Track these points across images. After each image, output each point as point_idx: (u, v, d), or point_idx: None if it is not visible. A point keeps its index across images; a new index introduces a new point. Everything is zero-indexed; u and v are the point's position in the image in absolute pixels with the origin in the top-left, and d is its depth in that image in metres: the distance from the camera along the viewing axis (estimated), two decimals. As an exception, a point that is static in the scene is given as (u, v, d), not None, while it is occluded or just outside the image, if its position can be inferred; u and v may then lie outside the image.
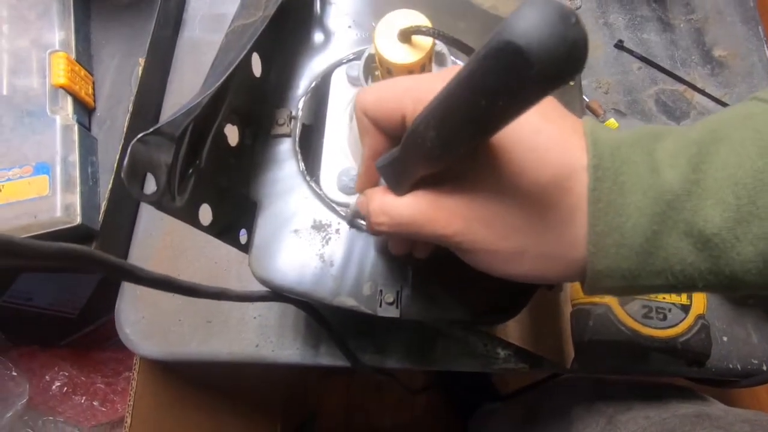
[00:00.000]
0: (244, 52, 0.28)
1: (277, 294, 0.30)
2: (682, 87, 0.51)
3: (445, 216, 0.20)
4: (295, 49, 0.36)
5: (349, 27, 0.37)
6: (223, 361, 0.39)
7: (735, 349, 0.40)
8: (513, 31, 0.12)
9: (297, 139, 0.33)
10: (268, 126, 0.34)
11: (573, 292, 0.39)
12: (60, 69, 0.38)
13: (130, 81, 0.44)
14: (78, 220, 0.34)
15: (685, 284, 0.19)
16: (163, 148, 0.24)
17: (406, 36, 0.23)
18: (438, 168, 0.19)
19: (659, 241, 0.18)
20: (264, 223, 0.31)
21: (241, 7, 0.34)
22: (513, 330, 0.39)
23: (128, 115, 0.41)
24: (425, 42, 0.23)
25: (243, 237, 0.31)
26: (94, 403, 0.57)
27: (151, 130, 0.23)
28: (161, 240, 0.42)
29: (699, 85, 0.51)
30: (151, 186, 0.23)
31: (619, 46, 0.52)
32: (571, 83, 0.37)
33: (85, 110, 0.40)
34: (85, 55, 0.42)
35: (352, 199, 0.31)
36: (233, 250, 0.30)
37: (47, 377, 0.57)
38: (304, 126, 0.34)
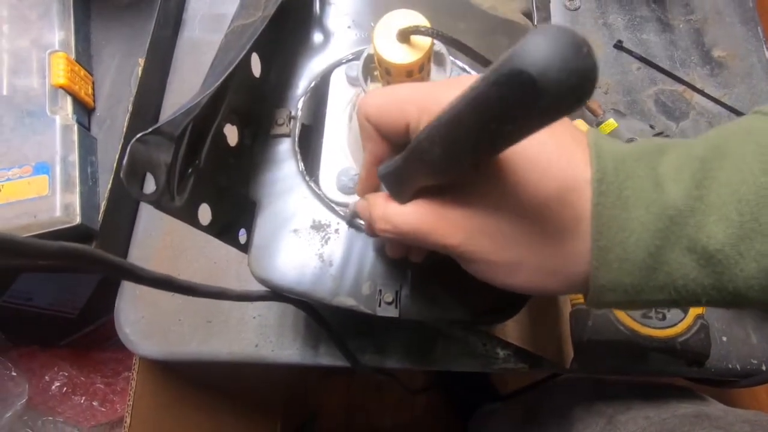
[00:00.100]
0: (244, 52, 0.28)
1: (276, 294, 0.30)
2: (681, 87, 0.51)
3: (448, 226, 0.20)
4: (294, 49, 0.36)
5: (349, 27, 0.37)
6: (222, 361, 0.39)
7: (734, 349, 0.40)
8: (525, 59, 0.12)
9: (296, 139, 0.33)
10: (268, 126, 0.34)
11: (572, 292, 0.39)
12: (60, 69, 0.38)
13: (129, 81, 0.44)
14: (77, 220, 0.34)
15: (688, 299, 0.19)
16: (163, 148, 0.24)
17: (404, 36, 0.23)
18: (441, 181, 0.20)
19: (662, 256, 0.18)
20: (263, 223, 0.31)
21: (240, 7, 0.34)
22: (512, 330, 0.39)
23: (128, 115, 0.41)
24: (424, 42, 0.23)
25: (242, 237, 0.31)
26: (94, 403, 0.57)
27: (150, 129, 0.23)
28: (161, 240, 0.42)
29: (698, 86, 0.51)
30: (150, 186, 0.23)
31: (619, 46, 0.53)
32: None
33: (84, 110, 0.40)
34: (84, 55, 0.42)
35: (351, 199, 0.31)
36: (232, 250, 0.30)
37: (47, 377, 0.57)
38: (303, 126, 0.34)
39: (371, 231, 0.25)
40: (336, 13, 0.38)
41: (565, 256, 0.19)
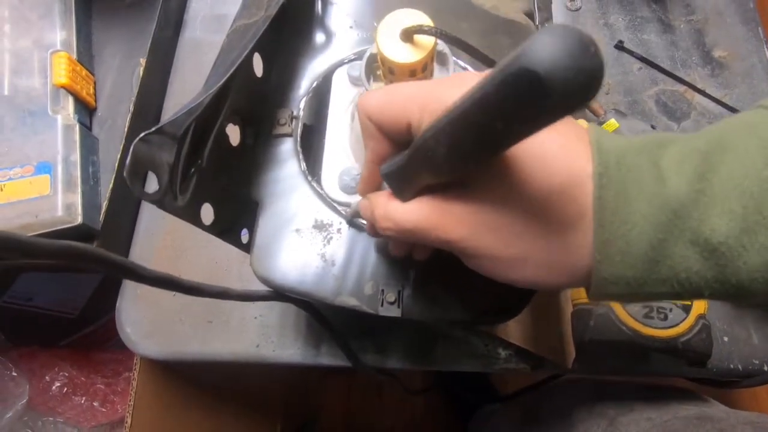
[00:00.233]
0: (246, 52, 0.28)
1: (278, 293, 0.30)
2: (682, 87, 0.51)
3: (450, 222, 0.20)
4: (296, 49, 0.36)
5: (351, 27, 0.37)
6: (224, 361, 0.39)
7: (736, 350, 0.40)
8: (533, 58, 0.12)
9: (298, 138, 0.33)
10: (270, 126, 0.34)
11: (574, 292, 0.39)
12: (61, 69, 0.38)
13: (131, 81, 0.44)
14: (79, 219, 0.34)
15: (691, 293, 0.19)
16: (165, 148, 0.24)
17: (408, 35, 0.23)
18: (445, 179, 0.20)
19: (665, 249, 0.18)
20: (265, 223, 0.31)
21: (242, 7, 0.34)
22: (514, 330, 0.39)
23: (129, 116, 0.41)
24: (427, 41, 0.23)
25: (244, 236, 0.31)
26: (94, 404, 0.57)
27: (153, 129, 0.23)
28: (162, 240, 0.42)
29: (699, 86, 0.51)
30: (152, 185, 0.23)
31: (620, 46, 0.53)
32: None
33: (86, 110, 0.40)
34: (86, 55, 0.42)
35: (353, 199, 0.31)
36: (234, 250, 0.30)
37: (47, 378, 0.57)
38: (305, 126, 0.34)
39: (373, 230, 0.25)
40: (338, 13, 0.38)
41: (568, 250, 0.20)
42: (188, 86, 0.48)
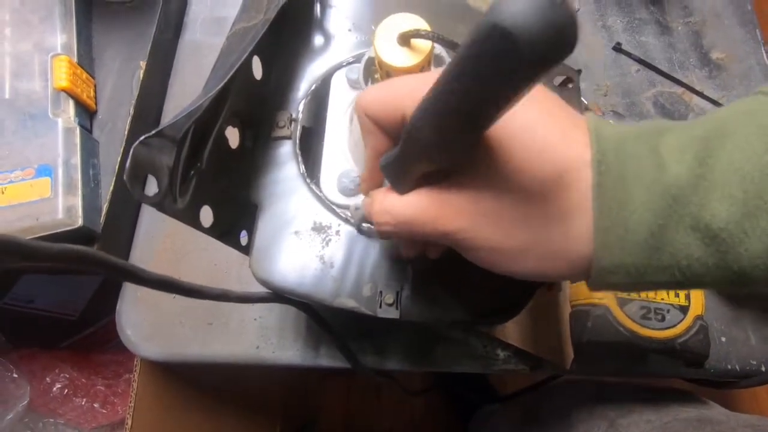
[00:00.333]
0: (245, 55, 0.29)
1: (277, 295, 0.30)
2: (680, 89, 0.51)
3: (448, 213, 0.20)
4: (295, 52, 0.37)
5: (349, 30, 0.37)
6: (223, 363, 0.39)
7: (734, 350, 0.40)
8: (499, 14, 0.12)
9: (297, 141, 0.33)
10: (269, 128, 0.34)
11: (572, 293, 0.39)
12: (62, 72, 0.38)
13: (131, 84, 0.44)
14: (79, 222, 0.35)
15: (692, 280, 0.18)
16: (165, 151, 0.24)
17: (405, 39, 0.23)
18: (437, 165, 0.19)
19: (665, 236, 0.18)
20: (264, 225, 0.31)
21: (242, 10, 0.35)
22: (512, 331, 0.40)
23: (129, 119, 0.41)
24: (424, 45, 0.23)
25: (243, 238, 0.32)
26: (95, 405, 0.57)
27: (152, 132, 0.23)
28: (162, 242, 0.42)
29: (697, 88, 0.51)
30: (152, 188, 0.24)
31: (618, 48, 0.53)
32: (570, 86, 0.37)
33: (86, 113, 0.41)
34: (86, 58, 0.43)
35: (351, 201, 0.31)
36: (233, 252, 0.30)
37: (48, 379, 0.57)
38: (304, 128, 0.34)
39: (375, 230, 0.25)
40: (336, 16, 0.38)
41: (568, 238, 0.19)
42: (188, 89, 0.48)
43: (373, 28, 0.36)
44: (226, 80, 0.27)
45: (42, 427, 0.54)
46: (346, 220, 0.31)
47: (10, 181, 0.34)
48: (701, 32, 0.54)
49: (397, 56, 0.23)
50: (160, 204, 0.24)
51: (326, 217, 0.31)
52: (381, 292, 0.29)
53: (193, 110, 0.25)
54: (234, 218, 0.31)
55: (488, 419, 0.74)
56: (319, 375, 0.88)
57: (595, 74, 0.52)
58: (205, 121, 0.27)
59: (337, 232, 0.31)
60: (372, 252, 0.30)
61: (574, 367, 0.39)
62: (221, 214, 0.29)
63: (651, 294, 0.36)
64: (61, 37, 0.41)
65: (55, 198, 0.34)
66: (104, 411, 0.57)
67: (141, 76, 0.43)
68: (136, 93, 0.43)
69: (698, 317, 0.35)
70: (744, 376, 0.40)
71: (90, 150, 0.39)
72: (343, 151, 0.33)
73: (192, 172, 0.26)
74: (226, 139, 0.30)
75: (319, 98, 0.35)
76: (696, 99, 0.51)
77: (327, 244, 0.30)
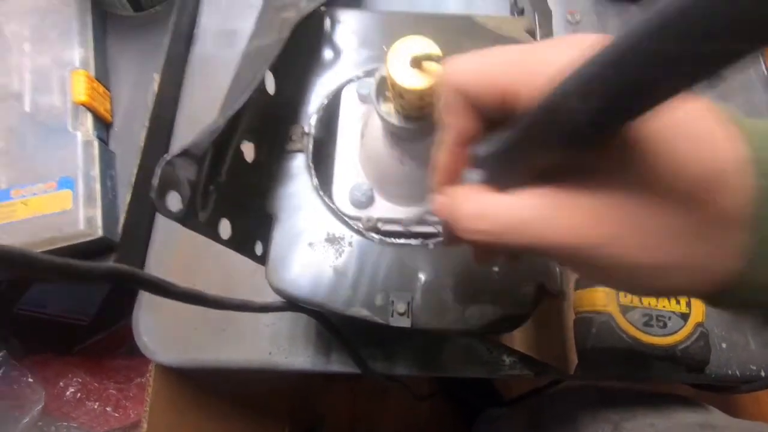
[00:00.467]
0: (261, 76, 0.30)
1: (293, 304, 0.31)
2: (680, 99, 0.52)
3: (582, 221, 0.16)
4: (306, 67, 0.38)
5: (358, 45, 0.38)
6: (237, 368, 0.40)
7: (734, 356, 0.41)
8: None
9: (310, 154, 0.34)
10: (282, 141, 0.35)
11: (576, 300, 0.40)
12: (81, 87, 0.39)
13: (145, 95, 0.45)
14: (99, 233, 0.36)
15: None
16: (188, 168, 0.25)
17: (417, 62, 0.24)
18: (573, 155, 0.16)
19: None
20: (280, 236, 0.32)
21: (257, 27, 0.36)
22: (518, 337, 0.41)
23: (145, 131, 0.42)
24: (435, 67, 0.24)
25: (258, 248, 0.33)
26: (107, 409, 0.59)
27: (178, 152, 0.24)
28: (176, 250, 0.43)
29: (697, 97, 0.52)
30: (173, 203, 0.25)
31: (619, 59, 0.54)
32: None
33: (103, 125, 0.42)
34: (102, 72, 0.44)
35: (363, 213, 0.32)
36: (245, 260, 0.31)
37: (61, 384, 0.58)
38: (316, 142, 0.35)
39: (451, 237, 0.21)
40: (345, 32, 0.39)
41: (719, 251, 0.16)
42: (199, 100, 0.50)
43: (384, 48, 0.37)
44: (244, 101, 0.28)
45: (56, 431, 0.55)
46: (359, 232, 0.32)
47: (34, 194, 0.35)
48: (701, 42, 0.55)
49: (409, 78, 0.24)
50: (184, 219, 0.25)
51: (339, 229, 0.32)
52: (393, 301, 0.30)
53: (214, 129, 0.26)
54: (250, 230, 0.32)
55: (493, 423, 0.75)
56: (324, 379, 0.89)
57: (597, 84, 0.53)
58: (224, 138, 0.28)
59: (350, 243, 0.32)
60: (383, 262, 0.31)
61: (578, 372, 0.40)
62: (238, 226, 0.30)
63: (653, 301, 0.37)
64: (78, 52, 0.42)
65: (76, 210, 0.35)
66: (116, 414, 0.58)
67: (155, 88, 0.44)
68: (150, 105, 0.44)
69: (699, 324, 0.36)
70: (744, 381, 0.41)
71: (108, 162, 0.40)
72: (354, 164, 0.34)
73: (212, 187, 0.28)
74: (242, 154, 0.31)
75: (330, 112, 0.36)
76: (696, 108, 0.52)
77: (340, 254, 0.31)
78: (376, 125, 0.31)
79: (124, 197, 0.40)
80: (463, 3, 0.56)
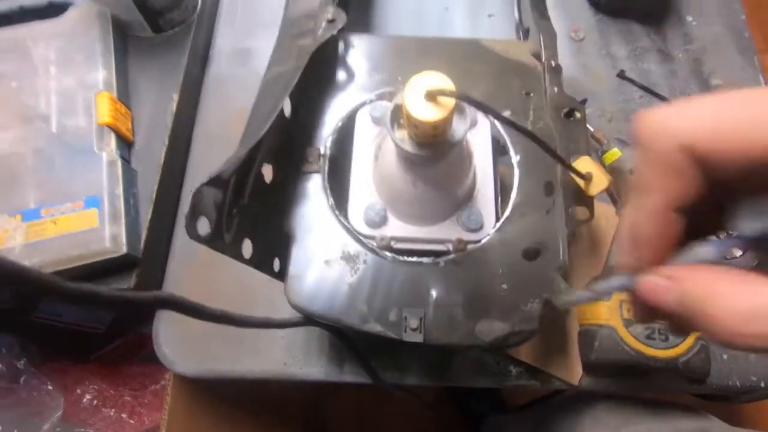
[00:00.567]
0: (281, 104, 0.31)
1: (310, 319, 0.33)
2: (681, 115, 0.53)
3: None
4: (321, 89, 0.40)
5: (370, 69, 0.40)
6: (253, 378, 0.42)
7: (735, 367, 0.43)
8: None
9: (326, 175, 0.36)
10: (298, 161, 0.37)
11: (580, 313, 0.42)
12: (105, 108, 0.41)
13: (164, 114, 0.47)
14: (124, 249, 0.37)
15: None
16: (215, 194, 0.27)
17: (431, 96, 0.26)
18: None
19: None
20: (297, 255, 0.34)
21: (275, 53, 0.38)
22: (524, 349, 0.42)
23: (165, 149, 0.44)
24: (449, 101, 0.26)
25: (276, 265, 0.34)
26: (123, 416, 0.60)
27: (207, 180, 0.26)
28: (194, 264, 0.44)
29: (698, 113, 0.53)
30: (202, 227, 0.26)
31: (621, 75, 0.55)
32: (578, 114, 0.40)
33: (125, 144, 0.44)
34: (124, 93, 0.46)
35: (377, 232, 0.34)
36: (260, 274, 0.33)
37: (78, 391, 0.60)
38: (331, 162, 0.37)
39: (653, 314, 0.17)
40: (358, 55, 0.41)
41: None
42: (215, 117, 0.51)
43: (399, 79, 0.39)
44: (265, 129, 0.30)
45: (73, 437, 0.57)
46: (373, 250, 0.33)
47: (63, 213, 0.37)
48: (701, 59, 0.57)
49: (424, 111, 0.26)
50: (211, 241, 0.27)
51: (354, 247, 0.34)
52: (406, 317, 0.31)
53: (238, 158, 0.28)
54: (269, 248, 0.33)
55: (499, 429, 0.76)
56: (333, 386, 0.90)
57: (600, 100, 0.54)
58: (247, 164, 0.30)
59: (365, 261, 0.33)
60: (397, 280, 0.33)
61: (583, 383, 0.41)
62: (259, 245, 0.31)
63: (655, 315, 0.38)
64: (102, 74, 0.44)
65: (102, 228, 0.37)
66: (131, 421, 0.60)
67: (174, 108, 0.46)
68: (169, 124, 0.46)
69: (700, 337, 0.38)
70: (745, 391, 0.42)
71: (130, 180, 0.41)
72: (368, 184, 0.36)
73: (235, 210, 0.29)
74: (262, 176, 0.33)
75: (345, 134, 0.38)
76: (697, 124, 0.53)
77: (355, 272, 0.33)
78: (390, 149, 0.32)
79: (145, 213, 0.42)
80: (468, 25, 0.58)
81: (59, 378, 0.60)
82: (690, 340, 0.38)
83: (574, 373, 0.41)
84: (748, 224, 0.15)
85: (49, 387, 0.56)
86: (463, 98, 0.25)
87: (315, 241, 0.34)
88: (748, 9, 0.60)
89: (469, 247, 0.33)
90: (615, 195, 0.44)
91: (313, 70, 0.37)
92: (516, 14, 0.55)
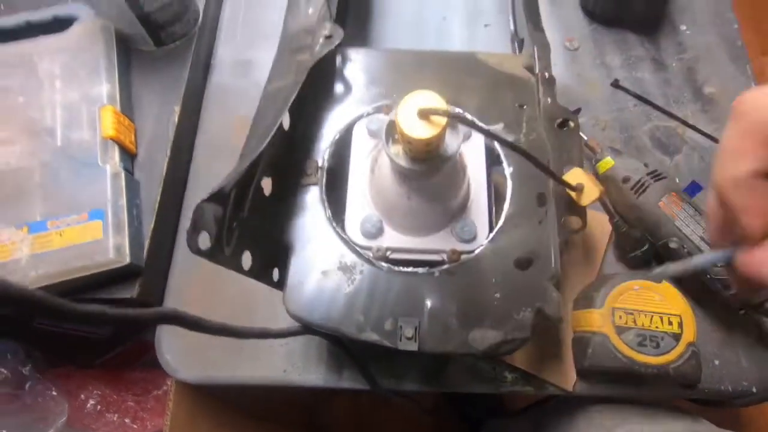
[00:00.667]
0: (279, 119, 0.32)
1: (308, 328, 0.34)
2: (674, 123, 0.54)
3: None
4: (319, 103, 0.41)
5: (367, 82, 0.41)
6: (254, 385, 0.42)
7: (726, 372, 0.43)
8: None
9: (323, 187, 0.37)
10: (297, 174, 0.38)
11: (573, 319, 0.43)
12: (109, 122, 0.42)
13: (167, 126, 0.48)
14: (127, 259, 0.38)
15: None
16: (215, 208, 0.28)
17: (424, 114, 0.27)
18: None
19: None
20: (296, 265, 0.35)
21: (273, 69, 0.39)
22: (520, 355, 0.43)
23: (167, 160, 0.45)
24: (441, 119, 0.27)
25: (275, 275, 0.35)
26: (126, 420, 0.61)
27: (208, 196, 0.27)
28: (196, 272, 0.45)
29: (690, 121, 0.54)
30: (203, 241, 0.27)
31: (615, 84, 0.56)
32: (572, 124, 0.41)
33: (128, 156, 0.45)
34: (127, 105, 0.47)
35: (373, 243, 0.35)
36: (260, 284, 0.34)
37: (82, 396, 0.61)
38: (329, 174, 0.38)
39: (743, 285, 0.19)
40: (355, 69, 0.42)
41: None
42: (216, 128, 0.52)
43: (394, 98, 0.40)
44: (265, 144, 0.31)
45: (77, 442, 0.58)
46: (369, 261, 0.34)
47: (68, 225, 0.38)
48: (695, 68, 0.57)
49: (417, 129, 0.27)
50: (213, 255, 0.28)
51: (351, 258, 0.35)
52: (401, 326, 0.32)
53: (238, 173, 0.29)
54: (269, 260, 0.34)
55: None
56: (332, 391, 0.91)
57: (595, 109, 0.55)
58: (247, 179, 0.30)
59: (361, 272, 0.34)
60: (392, 289, 0.34)
61: (577, 388, 0.42)
62: (258, 256, 0.32)
63: (646, 322, 0.39)
64: (106, 87, 0.45)
65: (106, 239, 0.38)
66: (134, 426, 0.61)
67: (176, 120, 0.47)
68: (171, 135, 0.47)
69: (690, 344, 0.38)
70: (736, 396, 0.43)
71: (133, 191, 0.42)
72: (365, 195, 0.37)
73: (235, 224, 0.30)
74: (261, 189, 0.33)
75: (342, 146, 0.39)
76: (689, 132, 0.54)
77: (352, 282, 0.34)
78: (386, 162, 0.33)
79: (148, 223, 0.43)
80: (466, 35, 0.59)
81: (63, 383, 0.61)
82: (681, 347, 0.38)
83: (568, 379, 0.42)
84: None
85: (54, 393, 0.57)
86: (454, 117, 0.26)
87: (313, 252, 0.35)
88: (745, 11, 0.60)
89: (463, 257, 0.34)
90: (608, 204, 0.45)
91: (312, 84, 0.38)
92: (511, 25, 0.56)
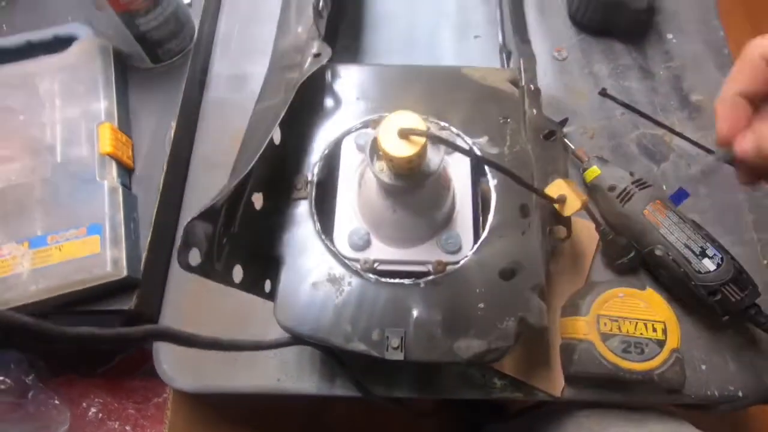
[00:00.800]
0: (269, 136, 0.34)
1: (299, 339, 0.35)
2: (661, 131, 0.55)
3: None
4: (309, 118, 0.42)
5: (357, 98, 0.42)
6: (248, 393, 0.43)
7: (713, 377, 0.44)
8: None
9: (313, 201, 0.38)
10: (287, 188, 0.39)
11: (561, 326, 0.43)
12: (106, 138, 0.44)
13: (163, 141, 0.49)
14: (124, 273, 0.40)
15: None
16: (206, 225, 0.29)
17: (404, 134, 0.28)
18: None
19: None
20: (286, 278, 0.36)
21: (264, 87, 0.40)
22: (509, 362, 0.44)
23: (163, 174, 0.46)
24: (420, 138, 0.28)
25: (266, 286, 0.36)
26: (126, 428, 0.62)
27: (198, 213, 0.28)
28: (192, 284, 0.47)
29: (677, 129, 0.55)
30: (194, 257, 0.28)
31: (603, 93, 0.57)
32: (557, 136, 0.42)
33: (126, 172, 0.46)
34: (125, 122, 0.48)
35: (361, 255, 0.36)
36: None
37: (84, 404, 0.62)
38: (318, 188, 0.39)
39: (750, 176, 0.26)
40: (345, 85, 0.43)
41: None
42: (212, 141, 0.54)
43: (383, 114, 0.41)
44: (255, 161, 0.32)
45: (79, 450, 0.59)
46: (357, 273, 0.35)
47: (67, 239, 0.39)
48: (681, 76, 0.58)
49: (397, 148, 0.28)
50: (203, 270, 0.29)
51: (339, 270, 0.36)
52: (388, 336, 0.33)
53: (228, 190, 0.30)
54: (259, 272, 0.35)
55: (494, 437, 0.77)
56: (326, 399, 0.91)
57: (583, 118, 0.56)
58: (237, 195, 0.32)
59: (349, 283, 0.35)
60: (379, 300, 0.35)
61: (565, 394, 0.43)
62: (249, 270, 0.33)
63: (631, 329, 0.40)
64: (104, 104, 0.46)
65: (104, 253, 0.39)
66: (135, 433, 0.62)
67: (172, 135, 0.49)
68: (168, 150, 0.48)
69: (674, 350, 0.39)
70: (723, 401, 0.44)
71: (131, 205, 0.44)
72: (353, 209, 0.38)
73: (225, 239, 0.31)
74: (252, 204, 0.35)
75: (331, 161, 0.40)
76: (676, 139, 0.55)
77: (340, 293, 0.35)
78: (371, 178, 0.34)
79: (145, 236, 0.44)
80: (456, 46, 0.60)
81: (65, 392, 0.62)
82: (665, 354, 0.39)
83: (556, 385, 0.43)
84: None
85: (56, 401, 0.58)
86: (432, 137, 0.27)
87: (303, 264, 0.36)
88: (738, 18, 0.61)
89: (448, 268, 0.35)
90: (593, 213, 0.46)
91: (301, 100, 0.40)
92: (500, 38, 0.57)
